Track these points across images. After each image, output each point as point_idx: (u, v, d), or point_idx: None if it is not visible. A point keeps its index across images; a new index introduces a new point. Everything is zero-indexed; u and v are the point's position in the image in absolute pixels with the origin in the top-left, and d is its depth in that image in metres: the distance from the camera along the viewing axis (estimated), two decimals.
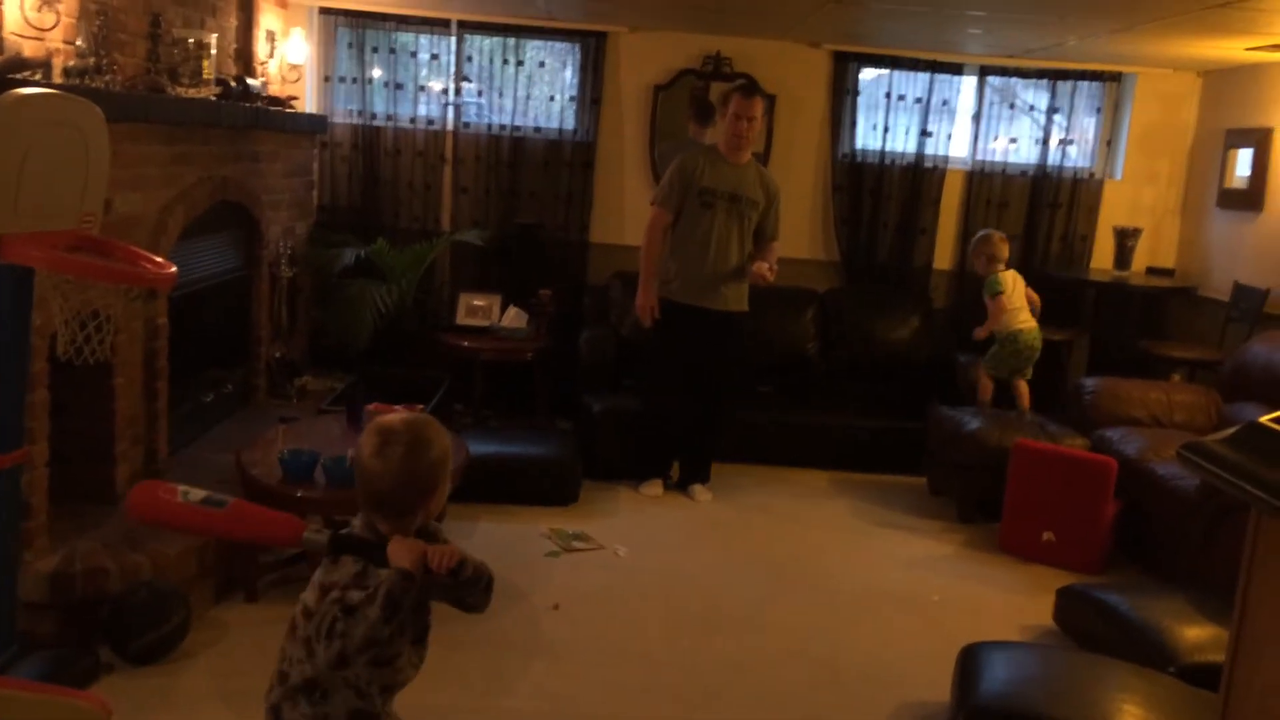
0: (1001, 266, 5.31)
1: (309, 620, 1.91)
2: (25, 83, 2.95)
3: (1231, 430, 1.58)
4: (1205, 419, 5.06)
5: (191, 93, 4.17)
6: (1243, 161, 5.88)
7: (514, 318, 5.98)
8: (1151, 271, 6.45)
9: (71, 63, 3.50)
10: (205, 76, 4.31)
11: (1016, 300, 5.27)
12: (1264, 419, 1.55)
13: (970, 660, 3.06)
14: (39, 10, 3.35)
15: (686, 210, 4.86)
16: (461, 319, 6.06)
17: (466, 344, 5.82)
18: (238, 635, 3.50)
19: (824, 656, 3.69)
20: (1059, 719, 2.72)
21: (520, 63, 6.22)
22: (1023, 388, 5.30)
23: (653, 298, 4.89)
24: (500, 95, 6.24)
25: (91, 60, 3.54)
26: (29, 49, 3.34)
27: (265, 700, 2.02)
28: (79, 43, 3.56)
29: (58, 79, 3.38)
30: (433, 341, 5.90)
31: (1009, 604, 4.22)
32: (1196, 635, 3.27)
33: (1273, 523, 1.51)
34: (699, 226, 4.84)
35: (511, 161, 6.26)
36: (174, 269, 3.01)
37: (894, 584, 4.36)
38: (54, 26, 3.41)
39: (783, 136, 6.35)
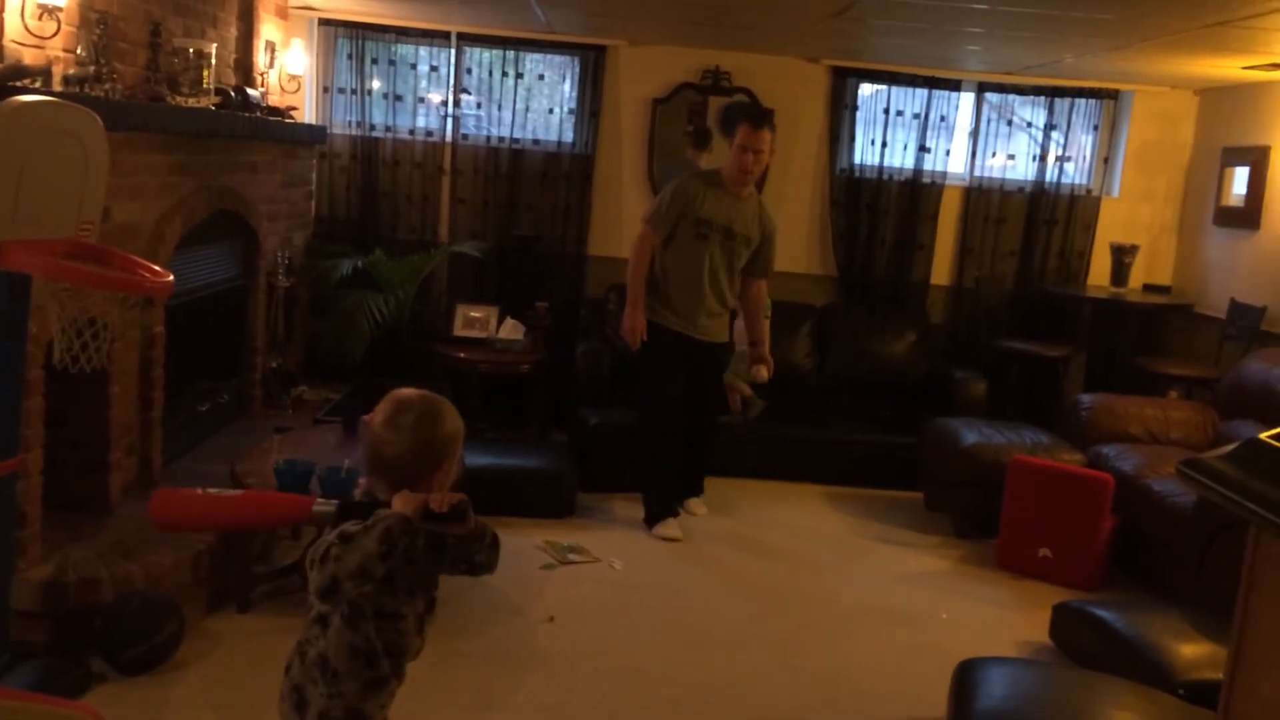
0: None
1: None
2: (25, 90, 2.94)
3: (1231, 446, 1.57)
4: (1202, 436, 5.07)
5: (191, 102, 4.17)
6: (1239, 179, 5.90)
7: (511, 330, 5.97)
8: (1148, 288, 6.46)
9: (71, 71, 3.50)
10: (205, 86, 4.31)
11: None
12: (1264, 435, 1.55)
13: (966, 677, 3.05)
14: (39, 18, 3.35)
15: (679, 236, 4.73)
16: (459, 330, 6.06)
17: (463, 355, 5.81)
18: (230, 646, 3.48)
19: (819, 672, 3.67)
20: None
21: (519, 75, 6.23)
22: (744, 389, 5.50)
23: (641, 320, 4.74)
24: (499, 108, 6.25)
25: (91, 69, 3.54)
26: (29, 57, 3.35)
27: (285, 680, 2.01)
28: (79, 51, 3.56)
29: (58, 87, 3.38)
30: (430, 353, 5.90)
31: (1005, 620, 4.21)
32: (1194, 653, 3.26)
33: (1272, 539, 1.51)
34: (691, 257, 4.72)
35: (510, 174, 6.27)
36: (171, 278, 3.01)
37: (889, 600, 4.35)
38: (54, 35, 3.42)
39: (781, 151, 6.33)
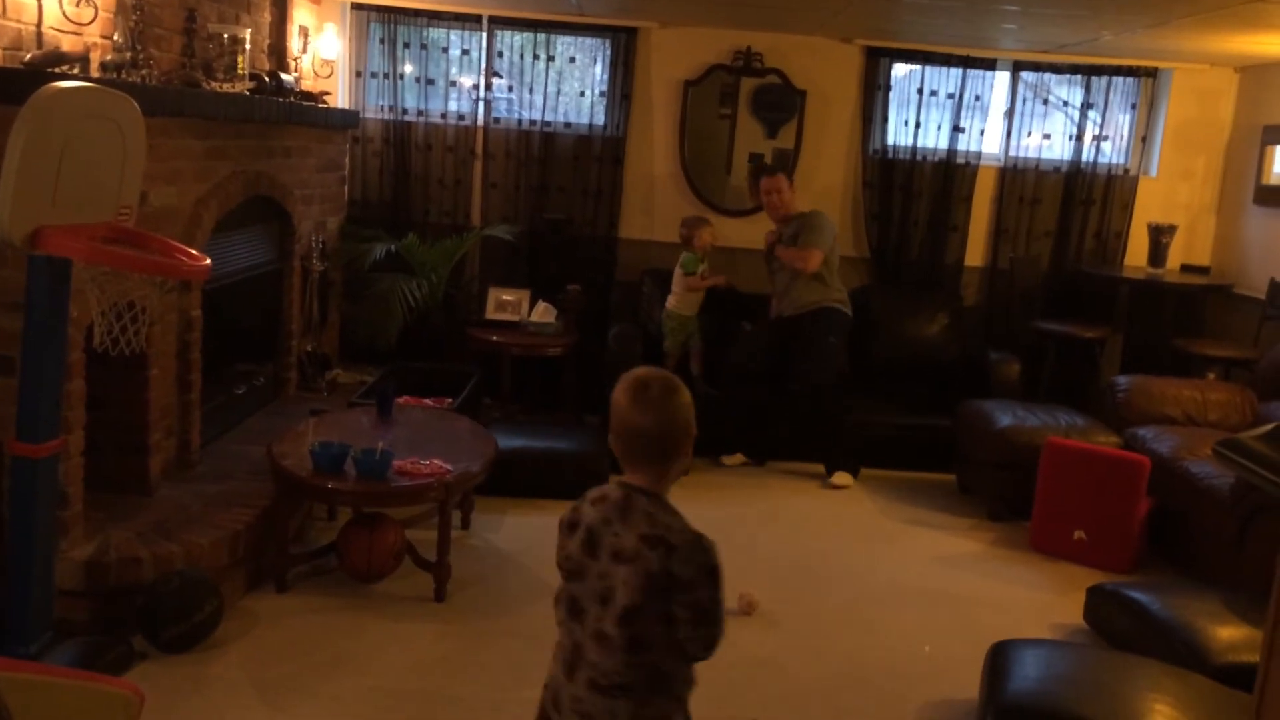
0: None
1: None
2: (63, 76, 2.98)
3: (1269, 427, 1.56)
4: (1240, 418, 5.00)
5: (226, 88, 4.21)
6: None
7: (543, 313, 5.99)
8: (1186, 269, 6.38)
9: (109, 57, 3.54)
10: (239, 71, 4.35)
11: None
12: None
13: (999, 658, 3.04)
14: (77, 5, 3.39)
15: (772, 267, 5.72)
16: (491, 314, 6.09)
17: (495, 339, 5.84)
18: (269, 625, 3.54)
19: (850, 653, 3.68)
20: (1089, 718, 2.70)
21: (551, 58, 6.23)
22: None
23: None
24: (530, 91, 6.25)
25: (128, 55, 3.58)
26: (67, 43, 3.39)
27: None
28: (116, 37, 3.60)
29: (95, 73, 3.43)
30: (462, 336, 5.93)
31: (1039, 602, 4.19)
32: (1229, 635, 3.23)
33: None
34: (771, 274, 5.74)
35: (541, 157, 6.28)
36: (208, 261, 3.05)
37: (922, 581, 4.34)
38: (92, 21, 3.46)
39: (813, 133, 6.33)
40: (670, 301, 5.82)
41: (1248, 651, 3.00)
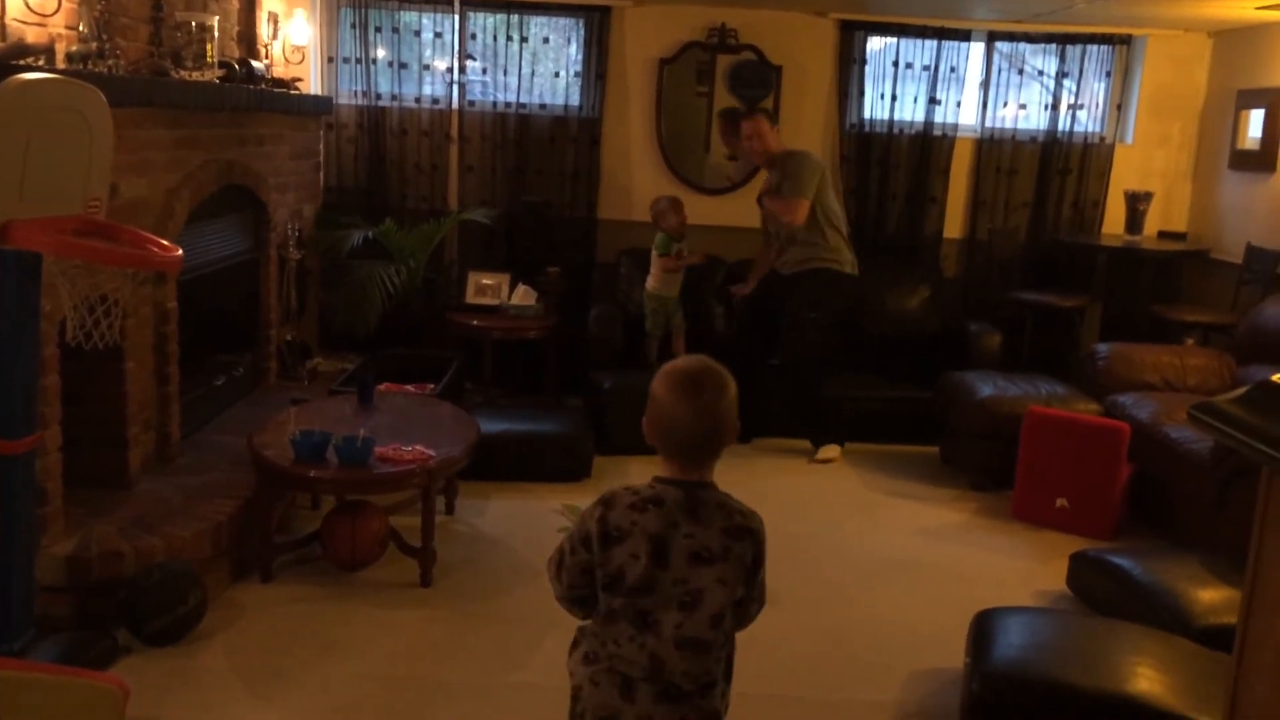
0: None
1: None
2: (28, 68, 2.94)
3: (1243, 390, 1.57)
4: (1218, 382, 5.04)
5: (195, 76, 4.16)
6: (1255, 122, 5.82)
7: (523, 296, 5.97)
8: (1164, 235, 6.41)
9: (74, 48, 3.50)
10: (208, 60, 4.29)
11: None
12: (1276, 377, 1.54)
13: (984, 627, 3.06)
14: None
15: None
16: (471, 298, 6.07)
17: (476, 323, 5.82)
18: (254, 615, 3.53)
19: (837, 626, 3.69)
20: (1073, 683, 2.72)
21: (524, 39, 6.19)
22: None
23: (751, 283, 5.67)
24: (505, 73, 6.21)
25: (94, 45, 3.53)
26: (31, 35, 3.34)
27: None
28: (81, 28, 3.55)
29: (60, 64, 3.38)
30: (442, 321, 5.91)
31: (1022, 570, 4.22)
32: (1210, 598, 3.26)
33: None
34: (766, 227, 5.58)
35: (517, 139, 6.24)
36: (180, 252, 3.02)
37: (906, 554, 4.36)
38: (56, 12, 3.41)
39: (790, 108, 6.32)
40: (649, 283, 5.80)
41: (1228, 613, 3.03)
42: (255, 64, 4.75)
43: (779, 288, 5.44)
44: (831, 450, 5.46)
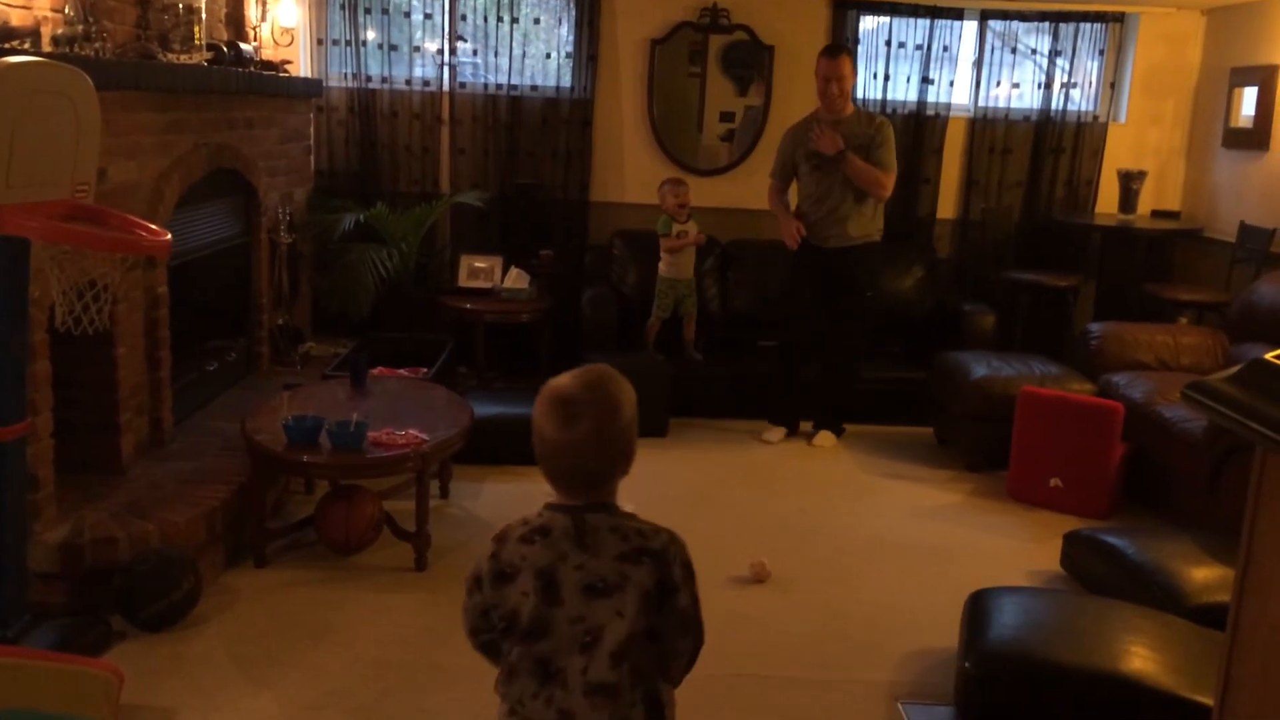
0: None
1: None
2: (13, 52, 2.92)
3: (1236, 368, 1.56)
4: (1212, 361, 5.04)
5: (183, 59, 4.13)
6: (1248, 100, 5.81)
7: (516, 279, 5.96)
8: (1157, 214, 6.40)
9: (60, 31, 3.47)
10: (196, 42, 4.27)
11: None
12: (1269, 355, 1.54)
13: (978, 606, 3.06)
14: None
15: (802, 175, 5.19)
16: (463, 281, 6.05)
17: (469, 306, 5.81)
18: (249, 600, 3.52)
19: (832, 607, 3.70)
20: (1067, 662, 2.73)
21: (515, 20, 6.15)
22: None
23: (793, 222, 5.16)
24: (496, 54, 6.18)
25: (80, 28, 3.50)
26: (16, 18, 3.31)
27: None
28: (67, 10, 3.52)
29: (47, 48, 3.36)
30: (435, 305, 5.89)
31: (1016, 550, 4.23)
32: (1204, 576, 3.27)
33: (1277, 460, 1.50)
34: (813, 185, 5.15)
35: (509, 121, 6.21)
36: (169, 236, 3.01)
37: (901, 534, 4.36)
38: None
39: (782, 88, 6.28)
40: (659, 266, 5.72)
41: (1222, 592, 3.04)
42: (244, 46, 4.72)
43: (823, 262, 5.13)
44: (829, 438, 5.40)
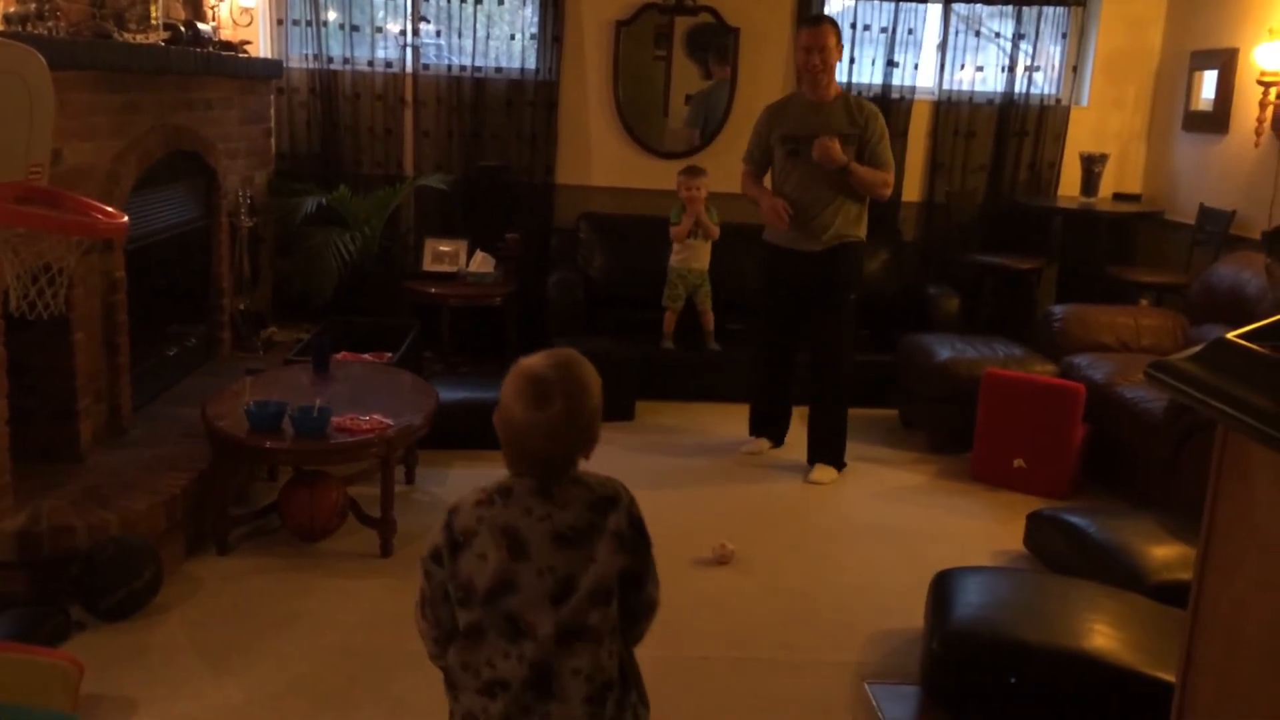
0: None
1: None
2: None
3: (1198, 348, 1.57)
4: (1172, 342, 5.10)
5: (139, 38, 4.05)
6: (1208, 83, 5.86)
7: (481, 262, 5.92)
8: (1119, 197, 6.45)
9: (12, 9, 3.39)
10: (153, 22, 4.19)
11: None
12: (1230, 335, 1.55)
13: (943, 587, 3.09)
14: None
15: (777, 160, 4.61)
16: (428, 265, 6.00)
17: (434, 290, 5.76)
18: (211, 589, 3.49)
19: (798, 590, 3.71)
20: (1031, 641, 2.75)
21: (479, 1, 6.09)
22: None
23: (776, 201, 4.51)
24: (459, 35, 6.11)
25: (33, 6, 3.43)
26: None
27: None
28: None
29: None
30: (400, 289, 5.84)
31: (980, 531, 4.26)
32: (1164, 554, 3.31)
33: (1238, 439, 1.51)
34: (790, 173, 4.55)
35: (473, 103, 6.16)
36: (125, 219, 2.95)
37: (867, 516, 4.39)
38: None
39: (748, 72, 6.27)
40: (671, 258, 5.63)
41: (1182, 569, 3.08)
42: (202, 26, 4.64)
43: (804, 267, 4.55)
44: (829, 472, 4.75)
